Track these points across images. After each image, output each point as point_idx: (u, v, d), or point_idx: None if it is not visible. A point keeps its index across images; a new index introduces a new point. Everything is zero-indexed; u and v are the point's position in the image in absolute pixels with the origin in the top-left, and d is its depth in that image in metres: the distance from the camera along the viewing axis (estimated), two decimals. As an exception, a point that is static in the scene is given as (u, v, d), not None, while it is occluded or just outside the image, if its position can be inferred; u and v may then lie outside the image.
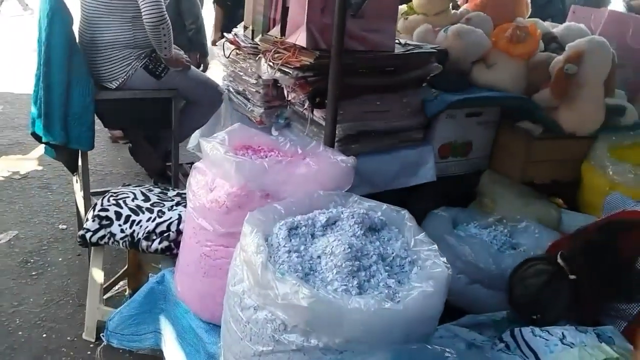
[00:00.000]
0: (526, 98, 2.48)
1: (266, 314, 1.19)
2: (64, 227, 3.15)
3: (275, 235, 1.33)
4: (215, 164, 1.60)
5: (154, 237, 2.05)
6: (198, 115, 2.92)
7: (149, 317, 1.94)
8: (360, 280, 1.22)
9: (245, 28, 2.57)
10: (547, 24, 2.99)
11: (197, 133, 3.00)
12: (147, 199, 2.21)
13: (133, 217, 2.10)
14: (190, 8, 3.84)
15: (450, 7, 2.92)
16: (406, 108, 2.25)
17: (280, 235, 1.31)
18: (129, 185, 2.41)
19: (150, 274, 2.05)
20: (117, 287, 2.58)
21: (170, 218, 2.08)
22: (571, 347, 1.37)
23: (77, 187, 2.89)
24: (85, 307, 2.29)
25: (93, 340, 2.25)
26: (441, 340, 1.55)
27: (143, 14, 2.45)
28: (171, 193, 2.32)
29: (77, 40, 2.52)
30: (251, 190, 1.53)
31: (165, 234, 2.04)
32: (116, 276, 2.56)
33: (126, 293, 2.51)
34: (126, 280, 2.53)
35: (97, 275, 2.23)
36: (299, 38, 2.01)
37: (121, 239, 2.09)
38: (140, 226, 2.08)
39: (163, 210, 2.13)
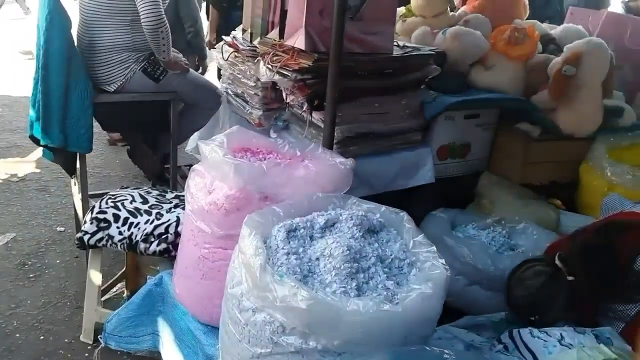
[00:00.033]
0: (524, 100, 2.48)
1: (264, 316, 1.19)
2: (62, 229, 3.15)
3: (273, 237, 1.33)
4: (213, 167, 1.60)
5: (152, 240, 2.05)
6: (197, 117, 2.92)
7: (147, 319, 1.94)
8: (358, 282, 1.22)
9: (244, 31, 2.57)
10: (545, 26, 2.99)
11: (195, 135, 3.00)
12: (145, 201, 2.21)
13: (131, 219, 2.10)
14: (189, 11, 3.84)
15: (449, 9, 2.92)
16: (405, 110, 2.25)
17: (279, 237, 1.31)
18: (127, 187, 2.41)
19: (148, 276, 2.05)
20: (115, 289, 2.57)
21: (169, 220, 2.08)
22: (569, 348, 1.37)
23: (75, 189, 2.89)
24: (83, 309, 2.29)
25: (91, 343, 2.24)
26: (440, 342, 1.55)
27: (141, 17, 2.45)
28: (169, 195, 2.32)
29: (76, 44, 2.52)
30: (250, 192, 1.53)
31: (164, 236, 2.04)
32: (114, 278, 2.56)
33: (124, 295, 2.50)
34: (124, 283, 2.53)
35: (95, 277, 2.23)
36: (298, 41, 2.02)
37: (119, 241, 2.09)
38: (139, 228, 2.07)
39: (161, 212, 2.12)
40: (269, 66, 2.10)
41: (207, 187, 1.62)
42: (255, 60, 2.30)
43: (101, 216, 2.12)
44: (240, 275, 1.27)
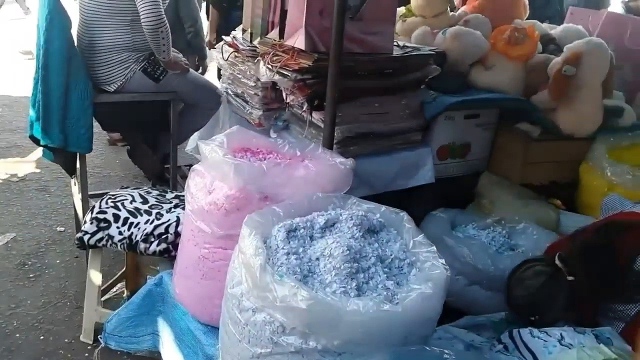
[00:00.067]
0: (524, 100, 2.48)
1: (265, 316, 1.19)
2: (62, 229, 3.15)
3: (273, 237, 1.33)
4: (213, 167, 1.60)
5: (152, 240, 2.05)
6: (197, 117, 2.92)
7: (147, 319, 1.94)
8: (358, 282, 1.22)
9: (244, 31, 2.57)
10: (545, 26, 3.00)
11: (195, 135, 3.00)
12: (145, 201, 2.21)
13: (131, 219, 2.10)
14: (189, 11, 3.84)
15: (449, 9, 2.92)
16: (405, 110, 2.25)
17: (279, 237, 1.31)
18: (127, 187, 2.41)
19: (148, 276, 2.05)
20: (115, 289, 2.57)
21: (169, 220, 2.08)
22: (569, 348, 1.37)
23: (75, 189, 2.89)
24: (83, 309, 2.29)
25: (91, 343, 2.25)
26: (440, 342, 1.55)
27: (141, 17, 2.45)
28: (169, 195, 2.32)
29: (76, 44, 2.52)
30: (250, 192, 1.53)
31: (164, 236, 2.04)
32: (114, 278, 2.56)
33: (124, 295, 2.50)
34: (124, 283, 2.53)
35: (95, 277, 2.23)
36: (298, 41, 2.02)
37: (119, 241, 2.09)
38: (139, 228, 2.07)
39: (161, 212, 2.13)
40: (269, 66, 2.10)
41: (207, 187, 1.62)
42: (255, 60, 2.30)
43: (101, 216, 2.12)
44: (240, 275, 1.27)
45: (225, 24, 4.02)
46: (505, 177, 2.54)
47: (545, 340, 1.42)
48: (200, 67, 3.93)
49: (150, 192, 2.31)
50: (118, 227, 2.09)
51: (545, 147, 2.50)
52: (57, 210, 3.36)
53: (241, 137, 1.80)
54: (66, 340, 2.29)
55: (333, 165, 1.64)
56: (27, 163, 4.04)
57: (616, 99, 2.66)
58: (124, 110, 2.75)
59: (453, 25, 2.62)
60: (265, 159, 1.72)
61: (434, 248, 1.34)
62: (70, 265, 2.81)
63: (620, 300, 1.59)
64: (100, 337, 2.00)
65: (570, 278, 1.61)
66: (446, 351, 1.16)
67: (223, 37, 2.76)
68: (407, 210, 1.48)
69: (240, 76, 2.55)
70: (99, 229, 2.11)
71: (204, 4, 4.63)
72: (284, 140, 1.87)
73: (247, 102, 2.52)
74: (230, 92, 2.74)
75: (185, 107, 2.93)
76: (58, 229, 3.15)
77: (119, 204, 2.16)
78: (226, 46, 2.65)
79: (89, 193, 2.72)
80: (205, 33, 4.12)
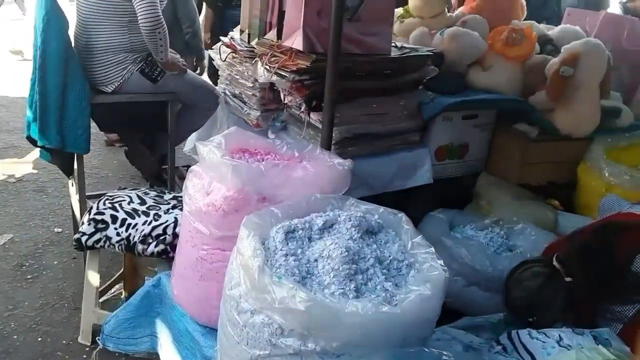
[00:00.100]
0: (522, 100, 2.49)
1: (263, 318, 1.19)
2: (60, 230, 3.14)
3: (272, 238, 1.32)
4: (211, 168, 1.60)
5: (150, 241, 2.04)
6: (194, 118, 2.92)
7: (145, 321, 1.94)
8: (357, 283, 1.22)
9: (242, 32, 2.57)
10: (542, 26, 3.00)
11: (193, 136, 3.00)
12: (143, 202, 2.21)
13: (129, 220, 2.10)
14: (187, 12, 3.83)
15: (446, 10, 2.92)
16: (403, 111, 2.25)
17: (277, 238, 1.31)
18: (124, 188, 2.40)
19: (146, 278, 2.04)
20: (113, 290, 2.57)
21: (167, 221, 2.07)
22: (568, 350, 1.37)
23: (73, 190, 2.89)
24: (80, 311, 2.28)
25: (89, 344, 2.24)
26: (438, 343, 1.55)
27: (139, 18, 2.44)
28: (167, 196, 2.32)
29: (73, 45, 2.52)
30: (248, 193, 1.52)
31: (162, 238, 2.04)
32: (112, 279, 2.56)
33: (122, 296, 2.49)
34: (122, 284, 2.52)
35: (93, 278, 2.22)
36: (296, 41, 2.01)
37: (117, 242, 2.08)
38: (136, 229, 2.07)
39: (159, 213, 2.12)
40: (267, 67, 2.10)
41: (205, 189, 1.62)
42: (253, 61, 2.30)
43: (99, 217, 2.12)
44: (239, 277, 1.27)
45: (219, 23, 4.02)
46: (503, 177, 2.54)
47: (543, 342, 1.42)
48: (198, 68, 3.93)
49: (148, 193, 2.31)
50: (116, 228, 2.09)
51: (543, 148, 2.51)
52: (54, 211, 3.36)
53: (239, 138, 1.80)
54: (64, 341, 2.28)
55: (331, 166, 1.63)
56: (25, 164, 4.03)
57: (614, 99, 2.66)
58: (122, 111, 2.74)
59: (451, 26, 2.62)
60: (263, 160, 1.72)
61: (433, 249, 1.34)
62: (68, 267, 2.80)
63: (618, 301, 1.59)
64: (98, 339, 1.99)
65: (568, 279, 1.61)
66: (445, 352, 1.16)
67: (220, 37, 2.76)
68: (405, 211, 1.48)
69: (238, 77, 2.55)
70: (97, 230, 2.10)
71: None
72: (282, 141, 1.87)
73: (245, 102, 2.52)
74: (228, 92, 2.74)
75: (183, 108, 2.93)
76: (55, 230, 3.15)
77: (116, 205, 2.16)
78: (224, 47, 2.65)
79: (87, 194, 2.72)
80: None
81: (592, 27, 2.98)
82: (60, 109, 2.42)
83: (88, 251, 2.21)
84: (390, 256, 1.34)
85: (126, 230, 2.08)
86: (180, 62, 2.79)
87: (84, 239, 2.10)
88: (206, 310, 1.66)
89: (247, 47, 2.43)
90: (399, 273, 1.31)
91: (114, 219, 2.11)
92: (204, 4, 4.18)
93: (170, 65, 2.68)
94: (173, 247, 1.97)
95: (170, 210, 2.14)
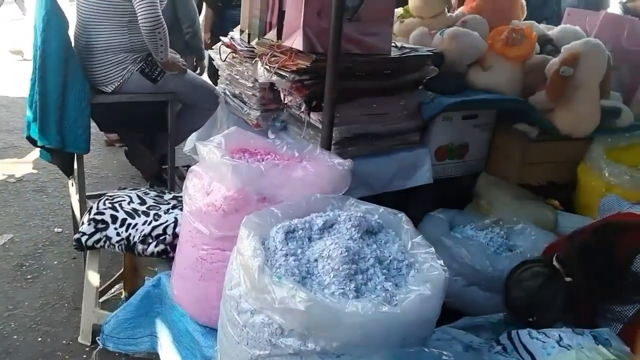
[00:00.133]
0: (522, 100, 2.49)
1: (263, 318, 1.19)
2: (60, 230, 3.14)
3: (272, 238, 1.32)
4: (211, 168, 1.60)
5: (150, 241, 2.04)
6: (194, 118, 2.92)
7: (145, 321, 1.94)
8: (357, 283, 1.22)
9: (242, 32, 2.57)
10: (542, 26, 3.00)
11: (193, 136, 3.00)
12: (143, 202, 2.21)
13: (129, 220, 2.10)
14: (187, 12, 3.83)
15: (446, 10, 2.92)
16: (403, 111, 2.25)
17: (277, 238, 1.31)
18: (124, 188, 2.40)
19: (146, 278, 2.04)
20: (113, 290, 2.57)
21: (167, 221, 2.07)
22: (568, 350, 1.37)
23: (73, 190, 2.89)
24: (80, 311, 2.28)
25: (89, 344, 2.24)
26: (438, 343, 1.55)
27: (139, 18, 2.44)
28: (167, 196, 2.32)
29: (73, 45, 2.52)
30: (248, 193, 1.52)
31: (162, 237, 2.04)
32: (112, 279, 2.55)
33: (122, 296, 2.49)
34: (122, 284, 2.52)
35: (93, 278, 2.22)
36: (296, 41, 2.01)
37: (117, 242, 2.08)
38: (136, 229, 2.07)
39: (159, 213, 2.12)
40: (267, 67, 2.10)
41: (205, 189, 1.62)
42: (253, 61, 2.30)
43: (99, 217, 2.12)
44: (239, 277, 1.27)
45: (219, 23, 4.02)
46: (503, 177, 2.54)
47: (543, 342, 1.42)
48: (198, 68, 3.93)
49: (148, 193, 2.31)
50: (116, 228, 2.09)
51: (543, 148, 2.51)
52: (54, 211, 3.36)
53: (239, 138, 1.80)
54: (64, 341, 2.28)
55: (331, 166, 1.63)
56: (25, 164, 4.03)
57: (613, 99, 2.66)
58: (122, 111, 2.74)
59: (451, 26, 2.62)
60: (263, 160, 1.72)
61: (433, 249, 1.34)
62: (68, 267, 2.80)
63: (618, 301, 1.59)
64: (98, 339, 1.99)
65: (568, 279, 1.61)
66: (445, 352, 1.16)
67: (220, 37, 2.76)
68: (405, 211, 1.48)
69: (238, 77, 2.55)
70: (97, 230, 2.10)
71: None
72: (282, 141, 1.87)
73: (245, 102, 2.52)
74: (228, 92, 2.74)
75: (183, 108, 2.93)
76: (55, 230, 3.15)
77: (116, 205, 2.16)
78: (224, 47, 2.64)
79: (87, 194, 2.72)
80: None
81: (592, 27, 2.98)
82: (60, 109, 2.42)
83: (88, 251, 2.21)
84: (390, 256, 1.34)
85: (126, 230, 2.08)
86: (180, 62, 2.79)
87: (84, 239, 2.10)
88: (206, 310, 1.66)
89: (247, 47, 2.43)
90: (399, 273, 1.31)
91: (114, 219, 2.11)
92: (204, 4, 4.18)
93: (170, 65, 2.68)
94: (173, 247, 1.97)
95: (170, 210, 2.14)
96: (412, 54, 2.23)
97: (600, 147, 2.52)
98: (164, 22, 2.50)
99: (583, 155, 2.57)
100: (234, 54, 2.56)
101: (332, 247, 1.28)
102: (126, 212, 2.12)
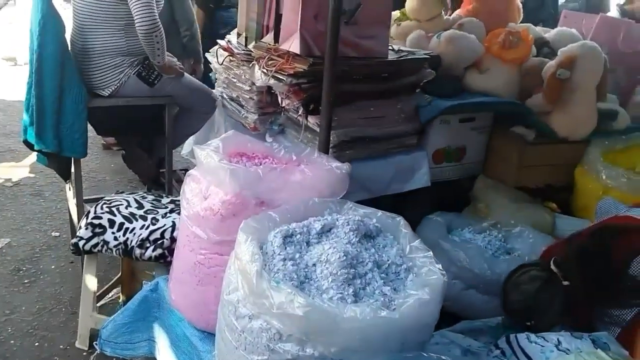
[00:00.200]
0: (519, 103, 2.49)
1: (261, 323, 1.18)
2: (57, 234, 3.14)
3: (270, 243, 1.32)
4: (209, 172, 1.59)
5: (148, 245, 2.04)
6: (192, 122, 2.92)
7: (143, 325, 1.93)
8: (355, 288, 1.22)
9: (239, 35, 2.57)
10: (539, 29, 3.01)
11: (191, 139, 2.99)
12: (140, 206, 2.20)
13: (126, 224, 2.09)
14: (184, 14, 3.83)
15: (443, 12, 2.93)
16: (400, 114, 2.25)
17: (275, 243, 1.31)
18: (122, 192, 2.40)
19: (144, 282, 2.03)
20: (110, 294, 2.56)
21: (164, 225, 2.07)
22: (567, 354, 1.37)
23: (70, 194, 2.88)
24: (78, 315, 2.28)
25: (86, 349, 2.24)
26: (437, 347, 1.55)
27: (136, 21, 2.44)
28: (165, 200, 2.32)
29: (69, 48, 2.51)
30: (246, 197, 1.52)
31: (159, 242, 2.03)
32: (109, 284, 2.55)
33: (120, 301, 2.49)
34: (120, 288, 2.52)
35: (91, 282, 2.22)
36: (293, 45, 2.01)
37: (114, 246, 2.08)
38: (134, 234, 2.07)
39: (157, 217, 2.12)
40: (264, 70, 2.10)
41: (203, 193, 1.61)
42: (250, 65, 2.30)
43: (96, 221, 2.11)
44: (237, 282, 1.26)
45: (210, 24, 4.02)
46: (501, 180, 2.54)
47: (542, 346, 1.41)
48: (196, 71, 3.93)
49: (146, 197, 2.30)
50: (113, 233, 2.09)
51: (540, 151, 2.51)
52: (51, 215, 3.35)
53: (237, 142, 1.79)
54: (61, 346, 2.27)
55: (329, 170, 1.63)
56: (22, 168, 4.02)
57: (610, 102, 2.67)
58: (119, 115, 2.74)
59: (447, 29, 2.63)
60: (261, 164, 1.72)
61: (431, 253, 1.34)
62: (66, 271, 2.79)
63: (616, 305, 1.59)
64: (96, 344, 1.98)
65: (565, 283, 1.61)
66: (443, 357, 1.16)
67: (211, 39, 2.75)
68: (403, 214, 1.47)
69: (235, 80, 2.55)
70: (94, 235, 2.10)
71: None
72: (280, 144, 1.86)
73: (242, 106, 2.52)
74: (225, 96, 2.74)
75: (180, 111, 2.93)
76: (53, 234, 3.14)
77: (114, 209, 2.16)
78: (221, 50, 2.64)
79: (84, 198, 2.72)
80: None
81: (589, 30, 2.99)
82: (57, 113, 2.42)
83: (85, 255, 2.20)
84: (388, 260, 1.34)
85: (124, 235, 2.07)
86: (178, 66, 2.79)
87: (81, 243, 2.10)
88: (204, 315, 1.65)
89: (244, 50, 2.43)
90: (398, 277, 1.31)
91: (112, 223, 2.10)
92: (195, 5, 4.18)
93: (167, 68, 2.68)
94: (171, 251, 1.96)
95: (168, 215, 2.14)
96: (409, 57, 2.23)
97: (597, 149, 2.53)
98: (160, 25, 2.50)
99: (580, 158, 2.57)
100: (231, 57, 2.56)
101: (330, 251, 1.27)
102: (124, 216, 2.12)
